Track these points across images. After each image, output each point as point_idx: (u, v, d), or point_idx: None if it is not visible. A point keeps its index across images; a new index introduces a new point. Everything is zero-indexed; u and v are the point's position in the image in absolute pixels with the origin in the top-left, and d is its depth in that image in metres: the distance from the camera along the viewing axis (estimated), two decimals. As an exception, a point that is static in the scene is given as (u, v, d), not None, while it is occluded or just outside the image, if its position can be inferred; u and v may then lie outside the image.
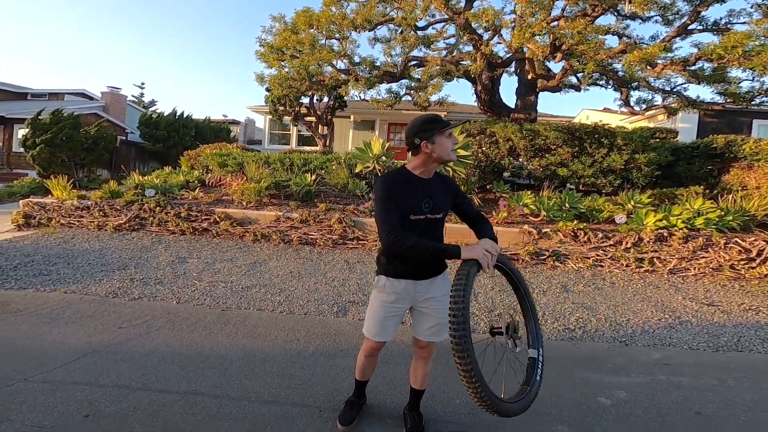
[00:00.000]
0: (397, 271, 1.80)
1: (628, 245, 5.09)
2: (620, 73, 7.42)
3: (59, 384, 2.30)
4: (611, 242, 5.14)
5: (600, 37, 6.50)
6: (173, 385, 2.35)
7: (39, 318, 3.22)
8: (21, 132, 15.47)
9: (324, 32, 8.55)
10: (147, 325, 3.15)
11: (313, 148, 15.61)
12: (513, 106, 8.64)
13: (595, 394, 2.43)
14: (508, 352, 1.63)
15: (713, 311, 3.85)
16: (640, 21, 7.13)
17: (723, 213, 5.31)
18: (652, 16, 7.02)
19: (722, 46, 5.81)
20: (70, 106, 15.60)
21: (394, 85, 9.81)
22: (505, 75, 9.18)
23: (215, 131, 19.11)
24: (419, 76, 8.99)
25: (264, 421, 2.06)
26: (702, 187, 6.24)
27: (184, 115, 17.82)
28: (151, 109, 28.32)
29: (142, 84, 32.90)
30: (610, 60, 6.89)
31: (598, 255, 5.11)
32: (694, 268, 4.90)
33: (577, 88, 8.65)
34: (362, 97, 9.37)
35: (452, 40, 9.15)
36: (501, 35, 8.03)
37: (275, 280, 4.36)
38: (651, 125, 9.32)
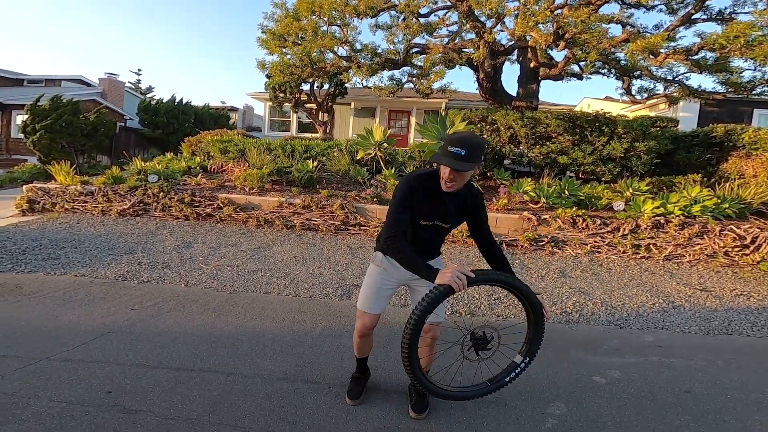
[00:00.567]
0: None
1: (626, 232, 5.19)
2: (623, 62, 7.42)
3: (80, 362, 2.40)
4: (609, 229, 5.24)
5: (603, 25, 6.47)
6: (188, 363, 2.45)
7: (53, 300, 3.31)
8: (19, 118, 15.41)
9: (326, 19, 8.48)
10: (158, 308, 3.25)
11: (314, 134, 15.59)
12: (515, 94, 8.64)
13: (590, 373, 2.55)
14: (467, 352, 1.90)
15: (706, 296, 3.97)
16: (644, 10, 7.10)
17: (719, 201, 5.40)
18: (657, 5, 7.00)
19: (724, 36, 5.83)
20: (68, 92, 15.48)
21: (396, 72, 9.79)
22: (507, 63, 9.14)
23: (215, 118, 19.03)
24: (421, 64, 8.96)
25: (277, 397, 2.17)
26: (700, 175, 6.31)
27: (183, 102, 17.71)
28: (148, 95, 28.07)
29: (139, 70, 32.38)
30: (612, 49, 6.88)
31: (595, 241, 5.22)
32: (689, 255, 5.01)
33: (579, 77, 8.63)
34: (364, 84, 9.35)
35: (455, 28, 9.07)
36: (504, 23, 7.98)
37: (280, 264, 4.45)
38: (652, 114, 9.34)
